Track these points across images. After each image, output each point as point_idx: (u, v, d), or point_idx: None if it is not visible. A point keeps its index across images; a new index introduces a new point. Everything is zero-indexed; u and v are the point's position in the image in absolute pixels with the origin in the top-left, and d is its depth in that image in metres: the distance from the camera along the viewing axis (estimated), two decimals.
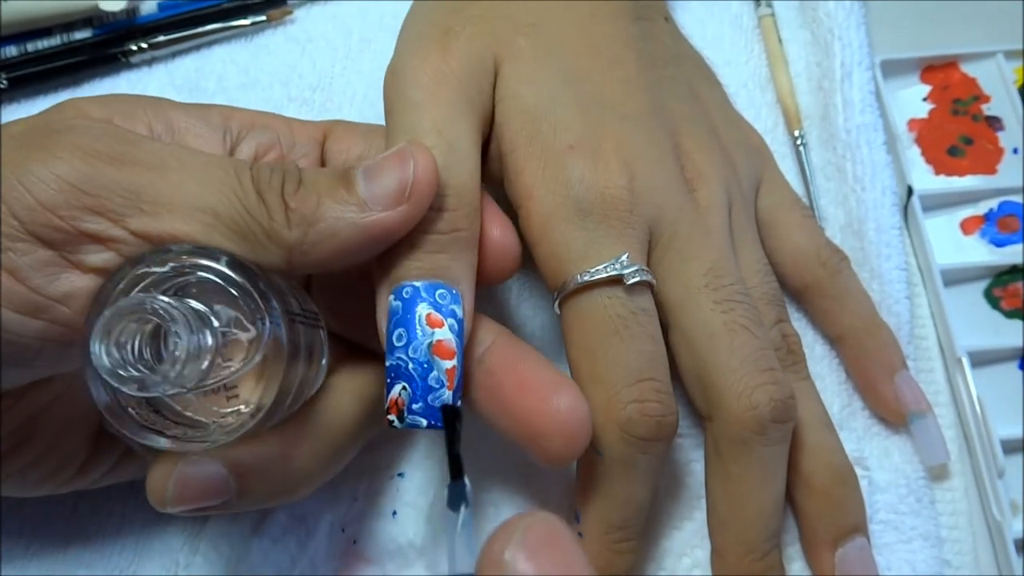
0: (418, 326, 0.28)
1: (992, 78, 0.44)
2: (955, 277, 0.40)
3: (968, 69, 0.44)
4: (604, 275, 0.31)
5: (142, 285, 0.25)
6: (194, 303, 0.25)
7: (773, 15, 0.45)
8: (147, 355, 0.25)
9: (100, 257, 0.25)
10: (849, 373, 0.37)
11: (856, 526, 0.33)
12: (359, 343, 0.33)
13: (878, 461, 0.36)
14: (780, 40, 0.45)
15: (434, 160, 0.28)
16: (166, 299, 0.24)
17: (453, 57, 0.32)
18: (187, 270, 0.25)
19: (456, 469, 0.26)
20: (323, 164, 0.34)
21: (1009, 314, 0.39)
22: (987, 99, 0.43)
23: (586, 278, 0.31)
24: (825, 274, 0.37)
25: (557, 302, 0.32)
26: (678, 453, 0.36)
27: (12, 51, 0.45)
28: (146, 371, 0.25)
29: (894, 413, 0.36)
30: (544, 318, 0.39)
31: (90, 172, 0.25)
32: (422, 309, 0.28)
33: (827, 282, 0.37)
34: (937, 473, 0.36)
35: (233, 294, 0.26)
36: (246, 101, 0.44)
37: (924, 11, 0.47)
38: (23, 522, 0.36)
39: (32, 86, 0.45)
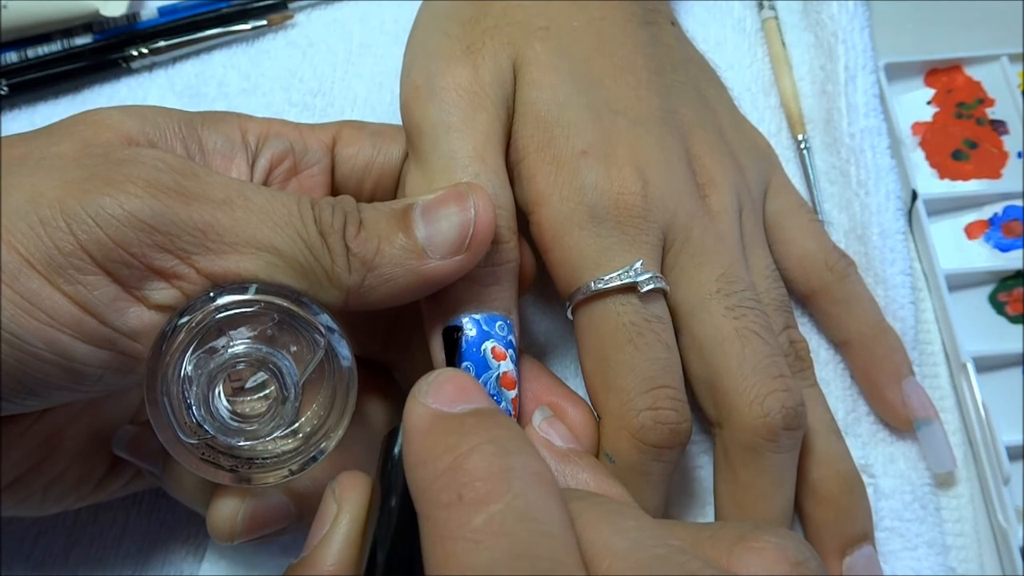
0: (486, 360, 0.29)
1: (996, 81, 0.44)
2: (960, 282, 0.39)
3: (972, 72, 0.44)
4: (618, 283, 0.31)
5: (215, 322, 0.26)
6: (285, 354, 0.26)
7: (776, 18, 0.45)
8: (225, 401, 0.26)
9: (165, 294, 0.26)
10: (855, 379, 0.37)
11: (863, 534, 0.33)
12: (364, 356, 0.34)
13: (883, 468, 0.36)
14: (783, 43, 0.44)
15: (493, 208, 0.28)
16: (272, 350, 0.26)
17: (483, 77, 0.32)
18: (265, 309, 0.26)
19: None
20: (333, 168, 0.34)
21: (1014, 319, 0.39)
22: (991, 103, 0.43)
23: (600, 286, 0.31)
24: (832, 279, 0.37)
25: (570, 309, 0.32)
26: (685, 458, 0.36)
27: (12, 57, 0.45)
28: (242, 421, 0.26)
29: (901, 420, 0.36)
30: (551, 321, 0.39)
31: (161, 209, 0.25)
32: (488, 343, 0.29)
33: (834, 287, 0.37)
34: (942, 480, 0.36)
35: (301, 331, 0.26)
36: (247, 106, 0.44)
37: (928, 14, 0.46)
38: (24, 532, 0.36)
39: (33, 92, 0.45)
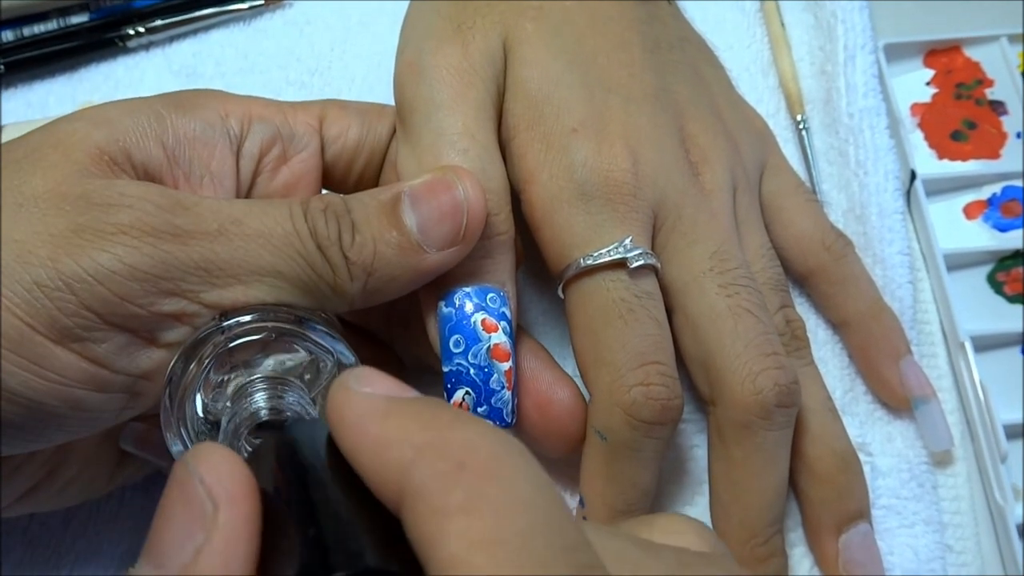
0: (476, 332, 0.29)
1: (995, 62, 0.43)
2: (958, 262, 0.39)
3: (971, 53, 0.44)
4: (607, 259, 0.30)
5: (227, 351, 0.26)
6: (301, 391, 0.27)
7: None
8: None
9: (176, 333, 0.26)
10: (853, 358, 0.37)
11: (859, 512, 0.33)
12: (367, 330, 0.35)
13: (881, 446, 0.36)
14: (783, 23, 0.44)
15: (483, 192, 0.29)
16: (289, 392, 0.27)
17: (473, 55, 0.32)
18: (273, 333, 0.26)
19: None
20: (322, 149, 0.33)
21: (1012, 299, 0.39)
22: (990, 83, 0.43)
23: (589, 262, 0.30)
24: (830, 259, 0.37)
25: (560, 286, 0.32)
26: (680, 438, 0.36)
27: (8, 36, 0.45)
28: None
29: (898, 399, 0.36)
30: (547, 303, 0.39)
31: (160, 256, 0.25)
32: (478, 315, 0.29)
33: (832, 267, 0.37)
34: (939, 458, 0.36)
35: (306, 346, 0.27)
36: (244, 85, 0.43)
37: None
38: None
39: (29, 71, 0.45)
